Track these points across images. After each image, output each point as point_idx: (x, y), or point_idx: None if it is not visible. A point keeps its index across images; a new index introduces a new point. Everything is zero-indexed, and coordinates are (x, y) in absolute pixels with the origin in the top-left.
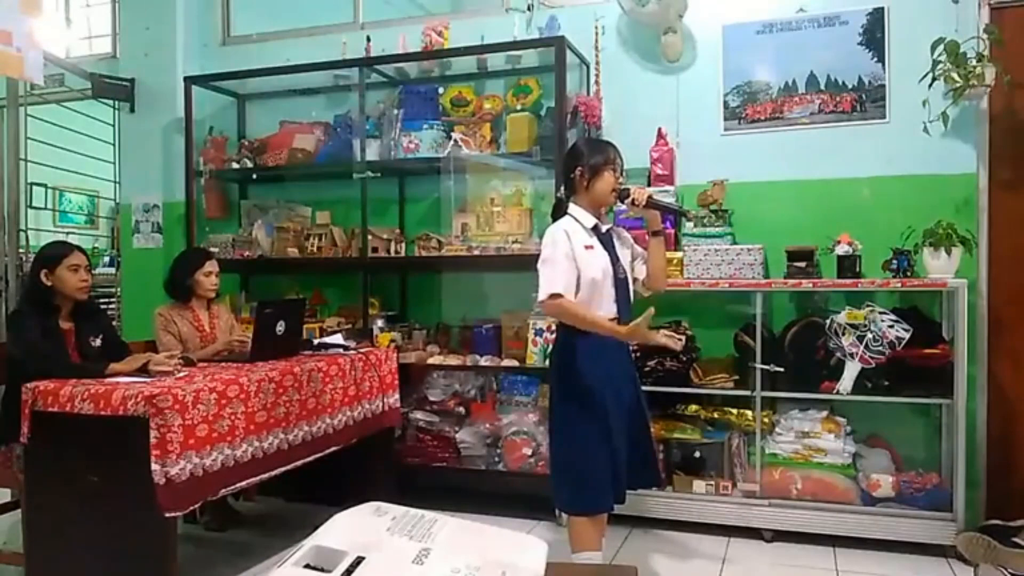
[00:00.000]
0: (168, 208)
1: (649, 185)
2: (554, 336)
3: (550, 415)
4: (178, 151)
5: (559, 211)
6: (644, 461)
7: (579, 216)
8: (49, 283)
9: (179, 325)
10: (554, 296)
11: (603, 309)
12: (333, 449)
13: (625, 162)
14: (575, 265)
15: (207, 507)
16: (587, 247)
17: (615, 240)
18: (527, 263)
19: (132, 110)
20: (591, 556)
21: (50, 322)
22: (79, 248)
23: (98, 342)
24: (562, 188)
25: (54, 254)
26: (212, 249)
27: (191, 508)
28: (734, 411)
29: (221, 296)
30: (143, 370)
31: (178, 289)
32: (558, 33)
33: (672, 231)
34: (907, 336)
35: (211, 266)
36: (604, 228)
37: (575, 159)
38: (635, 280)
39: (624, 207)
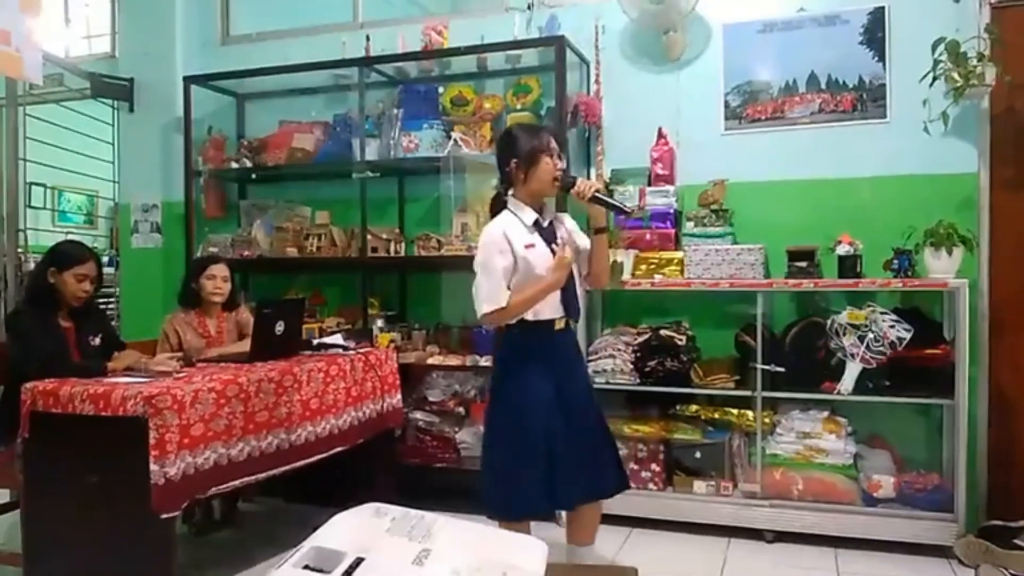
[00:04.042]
0: (167, 208)
1: (649, 185)
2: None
3: (487, 418)
4: (177, 151)
5: (497, 207)
6: (603, 463)
7: (518, 212)
8: (52, 281)
9: (182, 332)
10: (495, 312)
11: (548, 308)
12: (336, 450)
13: (626, 161)
14: (513, 267)
15: (196, 509)
16: (528, 246)
17: (558, 233)
18: None
19: (131, 110)
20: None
21: (51, 319)
22: (96, 258)
23: (97, 341)
24: (498, 182)
25: (68, 257)
26: (212, 249)
27: (182, 507)
28: (735, 411)
29: (237, 304)
30: (132, 369)
31: (185, 294)
32: (558, 32)
33: (672, 231)
34: (908, 336)
35: (214, 270)
36: (546, 222)
37: (508, 149)
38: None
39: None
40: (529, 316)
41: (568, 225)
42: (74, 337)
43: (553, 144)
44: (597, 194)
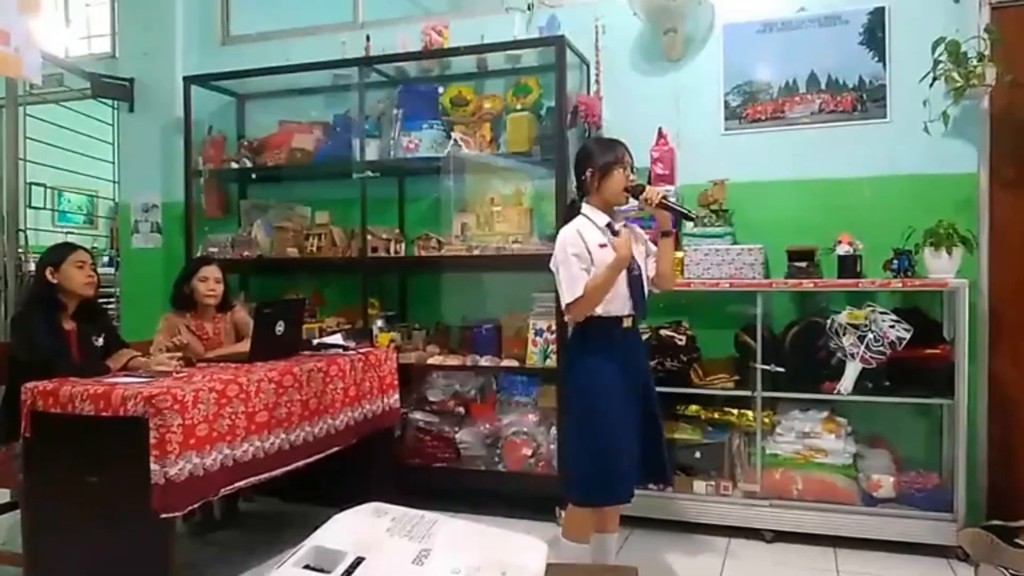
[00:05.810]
0: (167, 208)
1: (649, 185)
2: (569, 334)
3: (570, 412)
4: (177, 151)
5: (572, 212)
6: (656, 457)
7: (592, 215)
8: (55, 280)
9: (181, 332)
10: (577, 300)
11: (617, 305)
12: (334, 450)
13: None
14: (589, 262)
15: (196, 510)
16: (601, 245)
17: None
18: (527, 263)
19: (131, 110)
20: (581, 548)
21: (55, 321)
22: (83, 247)
23: (100, 341)
24: (575, 190)
25: (58, 252)
26: (211, 249)
27: (189, 508)
28: (735, 411)
29: (231, 305)
30: (129, 368)
31: (178, 297)
32: (558, 32)
33: (672, 231)
34: (908, 336)
35: (207, 272)
36: (617, 226)
37: (586, 160)
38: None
39: (630, 206)
40: (600, 311)
41: (639, 232)
42: (77, 338)
43: (627, 158)
44: (664, 200)
